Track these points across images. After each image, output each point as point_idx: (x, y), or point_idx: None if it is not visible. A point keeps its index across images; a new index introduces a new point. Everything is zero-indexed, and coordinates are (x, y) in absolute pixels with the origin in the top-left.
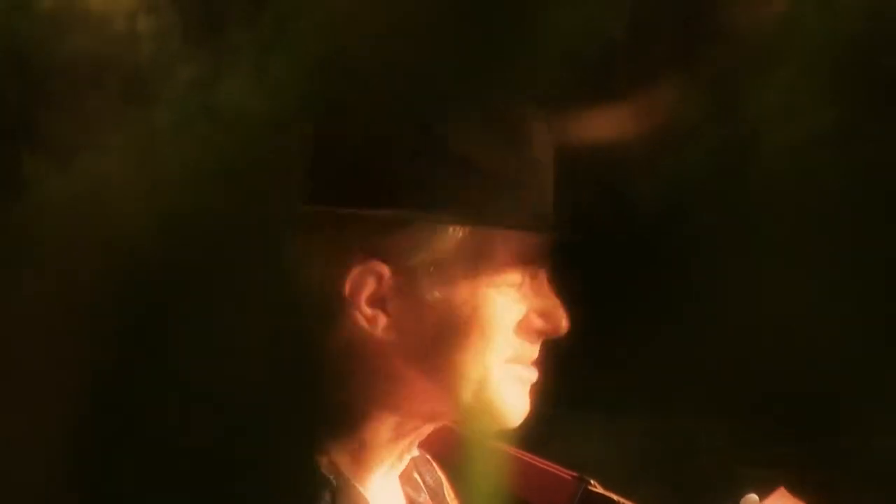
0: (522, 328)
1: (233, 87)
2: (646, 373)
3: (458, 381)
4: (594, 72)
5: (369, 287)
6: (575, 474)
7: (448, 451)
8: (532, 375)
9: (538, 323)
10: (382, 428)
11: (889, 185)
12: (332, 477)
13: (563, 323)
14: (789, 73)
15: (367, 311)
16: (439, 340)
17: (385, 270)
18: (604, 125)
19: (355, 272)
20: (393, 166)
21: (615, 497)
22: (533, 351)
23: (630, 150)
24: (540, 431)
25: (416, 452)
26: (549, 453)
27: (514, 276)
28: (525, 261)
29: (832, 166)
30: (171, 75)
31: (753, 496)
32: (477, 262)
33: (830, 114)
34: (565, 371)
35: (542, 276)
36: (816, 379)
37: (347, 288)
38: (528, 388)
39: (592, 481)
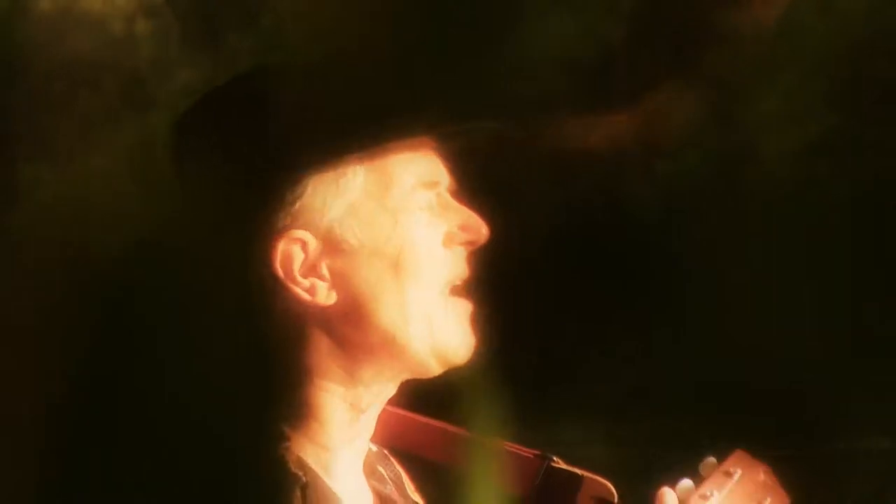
0: (447, 245)
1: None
2: (641, 375)
3: (405, 326)
4: (593, 78)
5: (298, 258)
6: (537, 452)
7: (405, 444)
8: (467, 307)
9: (460, 235)
10: (339, 404)
11: (887, 191)
12: (301, 473)
13: (483, 229)
14: (788, 80)
15: (304, 282)
16: (378, 287)
17: (307, 236)
18: (602, 131)
19: (280, 248)
20: (281, 134)
21: (578, 471)
22: (463, 269)
23: (628, 156)
24: (537, 437)
25: (373, 448)
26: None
27: (423, 198)
28: (425, 181)
29: (830, 172)
30: (168, 79)
31: (712, 459)
32: (384, 194)
33: (829, 120)
34: (563, 374)
35: (445, 192)
36: (814, 383)
37: (278, 266)
38: (468, 321)
39: (555, 458)
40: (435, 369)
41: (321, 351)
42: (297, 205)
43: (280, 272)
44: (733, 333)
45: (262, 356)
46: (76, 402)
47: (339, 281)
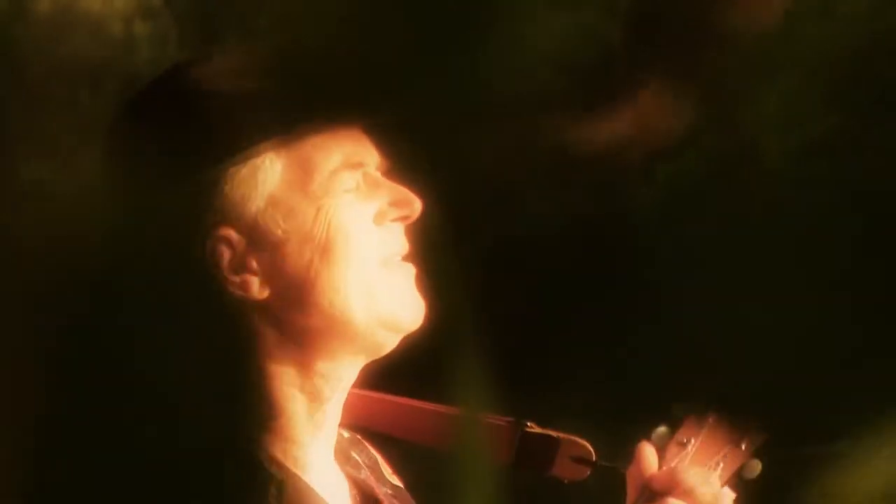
0: (379, 222)
1: None
2: (636, 378)
3: (346, 301)
4: (591, 77)
5: (225, 255)
6: (510, 419)
7: (377, 426)
8: (410, 269)
9: (392, 212)
10: (298, 395)
11: (887, 193)
12: (274, 471)
13: (415, 203)
14: (788, 81)
15: (235, 278)
16: (311, 270)
17: (231, 233)
18: (600, 131)
19: (208, 246)
20: (200, 127)
21: (554, 433)
22: (401, 242)
23: (626, 157)
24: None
25: (346, 434)
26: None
27: (347, 180)
28: (349, 162)
29: (831, 173)
30: None
31: (663, 428)
32: (305, 182)
33: (829, 121)
34: (558, 376)
35: (372, 170)
36: (816, 386)
37: (208, 264)
38: (412, 283)
39: (529, 423)
40: (386, 341)
41: (271, 345)
42: (220, 201)
43: (211, 271)
44: (731, 333)
45: (217, 357)
46: (64, 403)
47: (271, 273)
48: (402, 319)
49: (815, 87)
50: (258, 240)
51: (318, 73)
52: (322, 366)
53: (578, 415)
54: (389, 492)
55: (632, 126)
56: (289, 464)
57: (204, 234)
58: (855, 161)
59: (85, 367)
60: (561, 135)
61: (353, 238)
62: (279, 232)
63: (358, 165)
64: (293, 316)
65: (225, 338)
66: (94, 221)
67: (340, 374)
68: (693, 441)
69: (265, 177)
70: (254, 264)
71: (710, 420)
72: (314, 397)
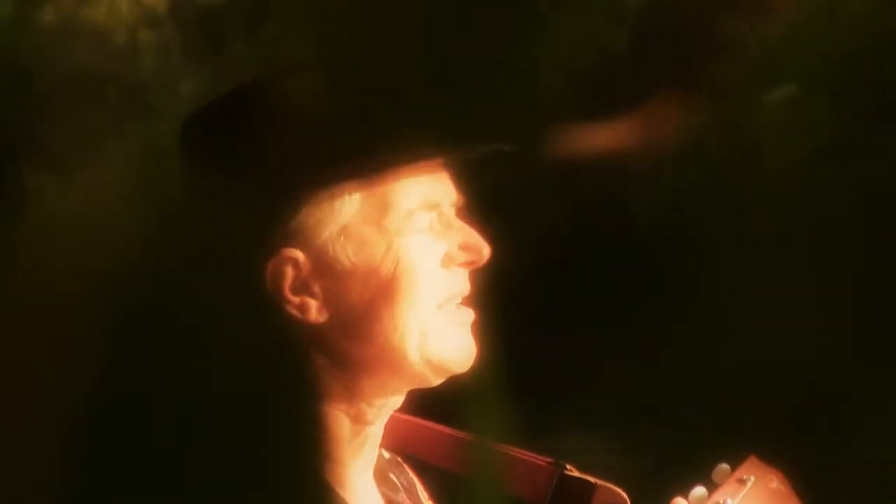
0: (446, 265)
1: None
2: (644, 381)
3: (400, 340)
4: (596, 83)
5: (289, 276)
6: (550, 460)
7: (416, 451)
8: (468, 316)
9: (460, 256)
10: (342, 416)
11: (891, 197)
12: (313, 486)
13: (485, 249)
14: (793, 86)
15: (295, 299)
16: (372, 304)
17: (298, 255)
18: (606, 137)
19: (271, 265)
20: (273, 150)
21: (592, 479)
22: (464, 285)
23: (631, 163)
24: (543, 443)
25: (386, 455)
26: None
27: (421, 220)
28: (427, 202)
29: (836, 178)
30: (171, 89)
31: (725, 466)
32: (381, 217)
33: (834, 126)
34: (568, 381)
35: (448, 211)
36: (816, 386)
37: (268, 283)
38: (468, 329)
39: (568, 465)
40: (433, 380)
41: (320, 367)
42: (292, 224)
43: (270, 288)
44: (740, 341)
45: (266, 372)
46: (72, 414)
47: (331, 299)
48: (452, 364)
49: (820, 92)
50: (324, 266)
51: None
52: (368, 392)
53: (615, 464)
54: None
55: (638, 133)
56: (329, 481)
57: (269, 252)
58: (860, 165)
59: (134, 378)
60: (566, 143)
61: (418, 279)
62: (347, 262)
63: (434, 206)
64: (346, 344)
65: (276, 355)
66: (155, 229)
67: (385, 401)
68: (729, 503)
69: (342, 206)
70: (316, 288)
71: (748, 485)
72: (358, 420)
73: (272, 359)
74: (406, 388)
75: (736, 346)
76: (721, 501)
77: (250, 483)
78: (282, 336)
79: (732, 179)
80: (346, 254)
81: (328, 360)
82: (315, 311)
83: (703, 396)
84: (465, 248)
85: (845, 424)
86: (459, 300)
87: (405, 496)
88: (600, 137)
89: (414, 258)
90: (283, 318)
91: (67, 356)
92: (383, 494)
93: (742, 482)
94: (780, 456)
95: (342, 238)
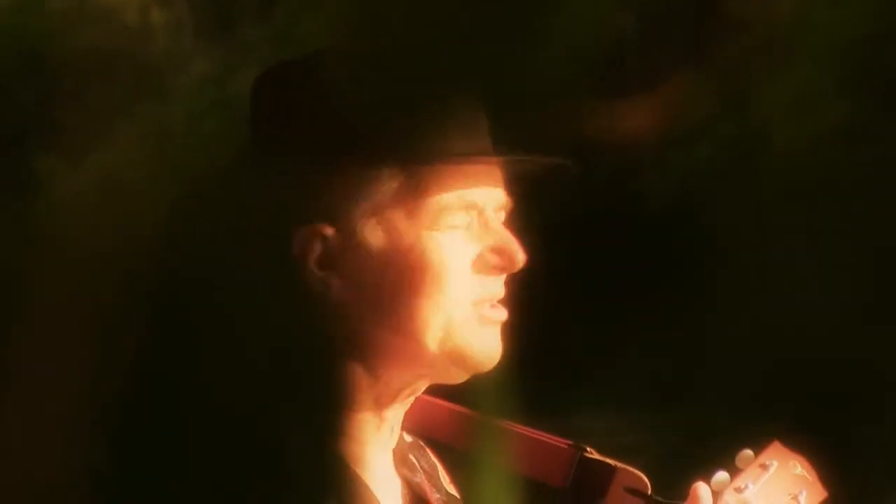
0: (478, 267)
1: (245, 82)
2: (655, 365)
3: (421, 330)
4: (607, 66)
5: (316, 250)
6: (570, 442)
7: (439, 434)
8: (500, 314)
9: (493, 259)
10: (361, 399)
11: None
12: (332, 463)
13: (519, 256)
14: (802, 69)
15: (319, 273)
16: (394, 291)
17: (328, 230)
18: (616, 119)
19: (300, 236)
20: (320, 122)
21: (612, 462)
22: (496, 289)
23: (642, 145)
24: (552, 424)
25: (408, 438)
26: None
27: (458, 218)
28: (466, 202)
29: (844, 160)
30: (183, 69)
31: (748, 451)
32: (417, 207)
33: (842, 108)
34: (575, 364)
35: (491, 214)
36: (830, 372)
37: (295, 253)
38: (497, 329)
39: (588, 448)
40: (455, 376)
41: (341, 345)
42: (326, 199)
43: (297, 260)
44: (753, 320)
45: (290, 345)
46: (87, 398)
47: (355, 279)
48: (475, 363)
49: (829, 75)
50: (353, 245)
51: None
52: (387, 376)
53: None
54: (443, 498)
55: (648, 115)
56: (347, 459)
57: (299, 223)
58: (868, 147)
59: (158, 355)
60: (578, 124)
61: (444, 275)
62: (374, 245)
63: (473, 206)
64: (365, 325)
65: (300, 327)
66: (166, 208)
67: (405, 387)
68: (751, 488)
69: (379, 190)
70: (341, 265)
71: (771, 470)
72: (377, 401)
73: (295, 327)
74: (427, 380)
75: (748, 329)
76: (743, 486)
77: (268, 457)
78: (305, 307)
79: (742, 160)
80: (377, 235)
81: (348, 342)
82: (337, 288)
83: (718, 377)
84: (498, 252)
85: (867, 405)
86: (493, 302)
87: (424, 478)
88: (610, 120)
89: (443, 252)
90: (304, 289)
91: (73, 338)
92: (402, 475)
93: (765, 467)
94: (802, 437)
95: (374, 219)
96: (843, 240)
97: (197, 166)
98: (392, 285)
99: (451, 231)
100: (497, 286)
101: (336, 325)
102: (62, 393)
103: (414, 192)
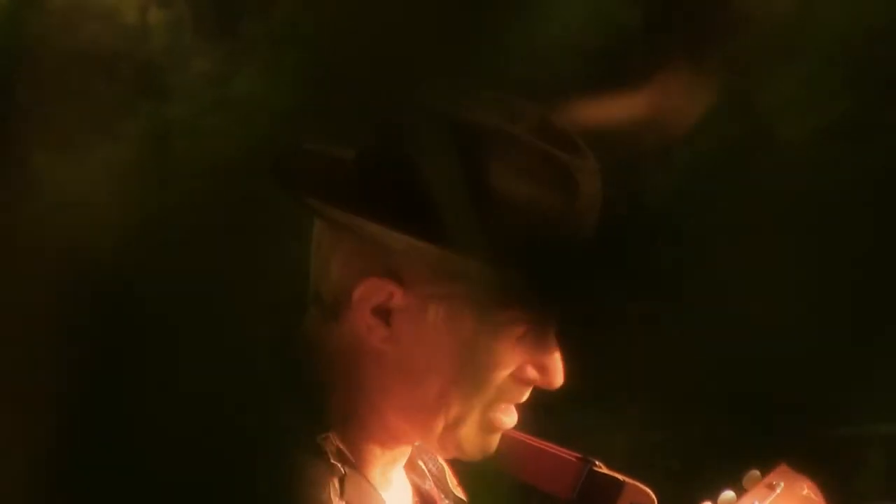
0: (515, 377)
1: (245, 81)
2: (650, 367)
3: (436, 411)
4: (608, 61)
5: (377, 299)
6: (579, 455)
7: None
8: (511, 420)
9: (532, 374)
10: (374, 428)
11: None
12: (339, 465)
13: (558, 379)
14: (805, 64)
15: (370, 319)
16: (431, 368)
17: (397, 291)
18: (616, 115)
19: (369, 283)
20: (428, 198)
21: (620, 476)
22: (521, 396)
23: (643, 141)
24: (544, 426)
25: (416, 441)
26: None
27: (520, 329)
28: (535, 316)
29: (847, 156)
30: (182, 68)
31: (755, 472)
32: (488, 309)
33: (846, 104)
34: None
35: (549, 330)
36: (829, 373)
37: (357, 294)
38: (499, 435)
39: (597, 462)
40: (443, 455)
41: (361, 376)
42: (410, 265)
43: (355, 298)
44: (751, 320)
45: (309, 355)
46: (83, 396)
47: (399, 340)
48: (463, 456)
49: (833, 69)
50: (413, 313)
51: None
52: (392, 423)
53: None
54: (450, 503)
55: (649, 109)
56: (357, 462)
57: (369, 275)
58: (872, 143)
59: (150, 353)
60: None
61: (487, 377)
62: (435, 325)
63: (540, 319)
64: (390, 381)
65: (327, 348)
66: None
67: (404, 440)
68: None
69: (464, 278)
70: (394, 320)
71: (777, 490)
72: (388, 437)
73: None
74: (415, 440)
75: (743, 329)
76: None
77: (262, 452)
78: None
79: (744, 157)
80: (438, 317)
81: (373, 379)
82: (381, 338)
83: (730, 393)
84: (541, 370)
85: (850, 402)
86: (511, 406)
87: (433, 484)
88: (610, 114)
89: (490, 360)
90: (347, 324)
91: (70, 338)
92: (411, 482)
93: (771, 487)
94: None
95: (443, 303)
96: (846, 237)
97: (197, 165)
98: (432, 362)
99: (506, 340)
100: (524, 395)
101: (363, 363)
102: (38, 396)
103: (491, 297)
